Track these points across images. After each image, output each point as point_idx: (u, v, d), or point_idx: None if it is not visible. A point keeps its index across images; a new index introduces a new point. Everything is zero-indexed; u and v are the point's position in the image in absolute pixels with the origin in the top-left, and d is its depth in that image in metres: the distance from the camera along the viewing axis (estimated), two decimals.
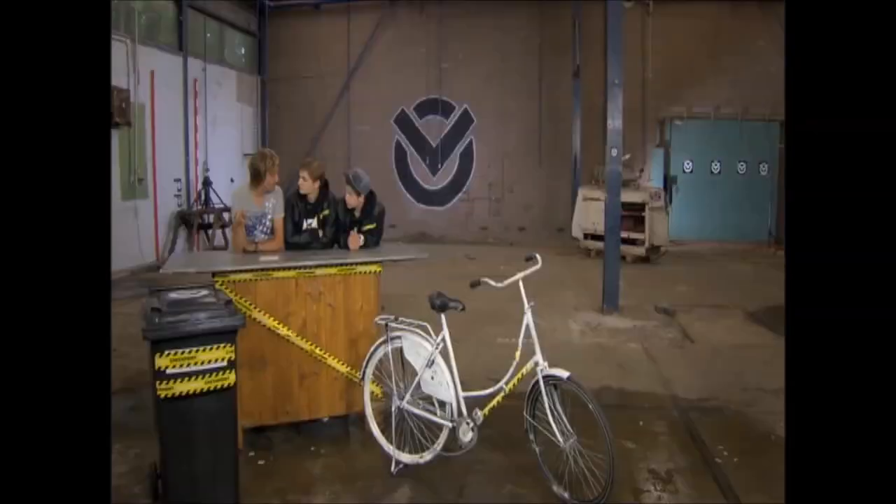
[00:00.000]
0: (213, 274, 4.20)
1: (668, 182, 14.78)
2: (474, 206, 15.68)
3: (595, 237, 12.83)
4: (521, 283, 3.91)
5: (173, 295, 3.54)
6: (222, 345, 3.45)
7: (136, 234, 11.36)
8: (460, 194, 15.67)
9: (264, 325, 4.37)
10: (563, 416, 3.61)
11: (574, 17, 14.49)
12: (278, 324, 4.40)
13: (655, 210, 12.15)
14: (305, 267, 4.43)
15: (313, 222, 5.00)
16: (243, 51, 15.82)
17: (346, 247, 4.95)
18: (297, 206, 4.95)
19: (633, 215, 12.35)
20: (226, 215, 13.13)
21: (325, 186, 5.00)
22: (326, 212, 5.00)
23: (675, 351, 7.01)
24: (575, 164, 14.73)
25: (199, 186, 13.05)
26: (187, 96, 12.84)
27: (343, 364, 4.59)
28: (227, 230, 13.32)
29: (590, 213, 12.96)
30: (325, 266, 4.47)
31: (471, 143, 15.61)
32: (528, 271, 3.98)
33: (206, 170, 13.35)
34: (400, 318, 4.15)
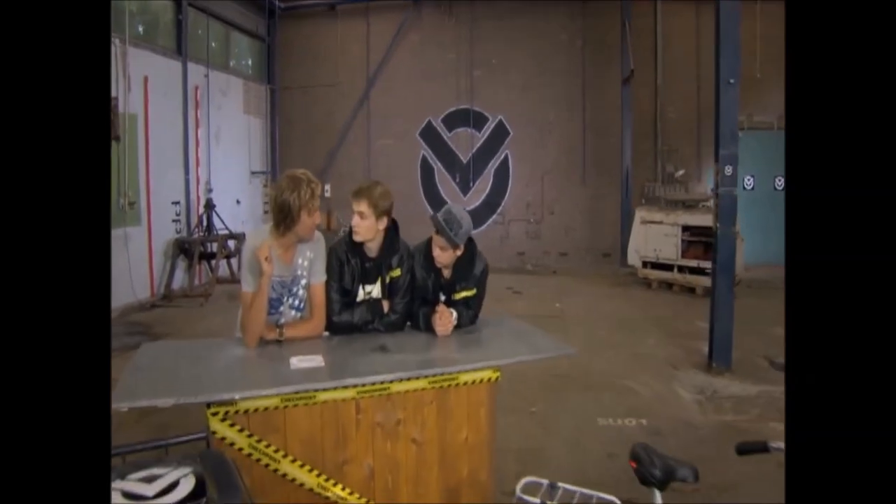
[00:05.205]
0: (209, 405, 2.22)
1: None
2: (510, 229, 13.67)
3: (656, 266, 10.97)
4: None
5: (128, 485, 1.55)
6: None
7: (127, 267, 9.34)
8: (494, 216, 13.64)
9: (302, 485, 2.37)
10: None
11: (623, 18, 12.60)
12: (326, 481, 2.40)
13: None
14: (375, 383, 2.43)
15: (374, 289, 3.01)
16: (251, 57, 13.90)
17: (427, 328, 2.97)
18: (347, 262, 2.96)
19: (703, 241, 10.44)
20: (231, 243, 11.18)
21: (392, 228, 3.03)
22: (397, 272, 3.01)
23: None
24: (626, 182, 12.77)
25: (201, 210, 11.06)
26: (187, 106, 10.86)
27: None
28: (233, 261, 11.36)
29: (650, 238, 11.06)
30: (409, 379, 2.48)
31: (506, 158, 13.63)
32: None
33: (209, 191, 11.36)
34: (562, 486, 2.15)
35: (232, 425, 2.25)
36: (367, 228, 2.90)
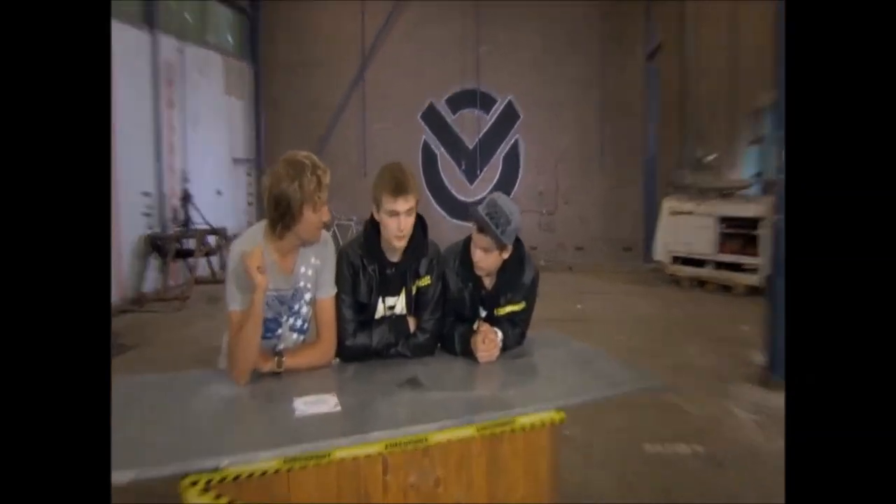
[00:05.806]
0: (185, 475, 1.74)
1: (765, 187, 12.45)
2: (521, 221, 13.22)
3: (687, 261, 10.55)
4: None
5: None
6: None
7: None
8: None
9: None
10: None
11: None
12: None
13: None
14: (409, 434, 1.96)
15: (398, 302, 2.54)
16: (231, 31, 13.36)
17: (465, 353, 2.51)
18: (363, 269, 2.49)
19: (742, 233, 10.02)
20: (211, 239, 10.69)
21: (419, 225, 2.55)
22: (425, 280, 2.54)
23: None
24: (651, 168, 12.33)
25: (176, 202, 10.56)
26: (158, 85, 10.30)
27: None
28: (213, 259, 10.87)
29: (680, 230, 10.64)
30: (452, 428, 2.01)
31: (516, 143, 13.19)
32: None
33: (186, 181, 10.85)
34: None
35: (218, 496, 1.78)
36: (411, 226, 2.44)
